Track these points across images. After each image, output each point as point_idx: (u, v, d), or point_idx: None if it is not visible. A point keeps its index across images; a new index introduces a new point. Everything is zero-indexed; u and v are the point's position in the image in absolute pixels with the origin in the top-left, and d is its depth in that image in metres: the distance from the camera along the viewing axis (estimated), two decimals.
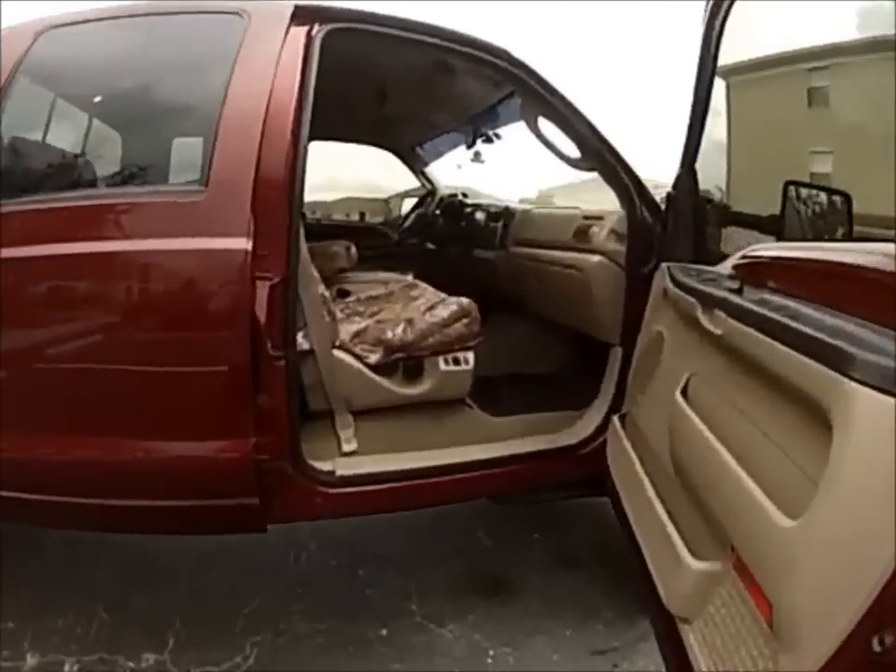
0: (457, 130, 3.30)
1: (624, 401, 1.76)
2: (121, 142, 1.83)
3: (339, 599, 1.94)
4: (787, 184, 1.53)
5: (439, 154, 3.87)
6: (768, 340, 0.92)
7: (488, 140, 3.14)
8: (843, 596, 0.68)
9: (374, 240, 3.94)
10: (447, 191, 3.82)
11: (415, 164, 3.96)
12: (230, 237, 1.40)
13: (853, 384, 0.71)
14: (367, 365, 1.80)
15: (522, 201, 3.80)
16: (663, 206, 1.80)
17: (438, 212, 3.69)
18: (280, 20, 1.57)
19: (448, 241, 3.56)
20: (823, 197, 1.52)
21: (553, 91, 1.80)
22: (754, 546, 0.88)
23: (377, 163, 3.97)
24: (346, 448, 1.77)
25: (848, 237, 1.41)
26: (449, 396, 1.93)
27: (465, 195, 3.67)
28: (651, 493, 1.33)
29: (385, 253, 3.77)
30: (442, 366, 1.87)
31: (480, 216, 3.25)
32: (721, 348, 1.14)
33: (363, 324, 1.91)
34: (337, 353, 1.79)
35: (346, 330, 1.86)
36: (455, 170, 3.79)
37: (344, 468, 1.69)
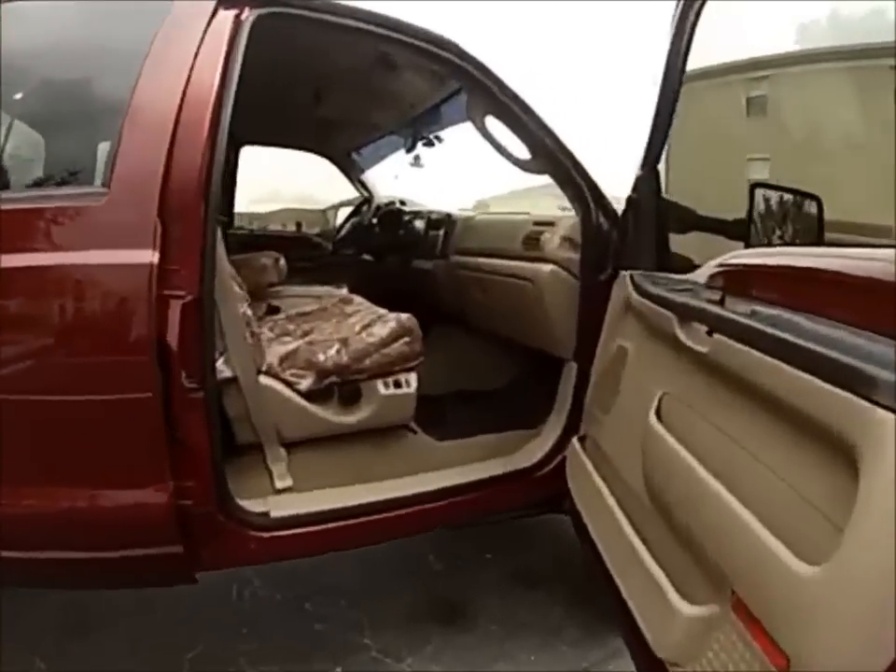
0: (396, 133, 3.17)
1: (583, 421, 1.68)
2: (44, 143, 1.62)
3: (288, 637, 1.83)
4: (753, 186, 1.48)
5: (376, 160, 3.72)
6: (767, 359, 0.81)
7: (429, 144, 3.00)
8: (876, 647, 0.62)
9: (307, 251, 3.79)
10: (384, 199, 3.67)
11: (351, 171, 3.79)
12: (132, 249, 1.21)
13: (884, 412, 0.62)
14: (297, 392, 1.64)
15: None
16: (620, 212, 1.72)
17: (374, 221, 3.50)
18: (205, 3, 1.40)
19: (385, 251, 3.41)
20: (790, 200, 1.47)
21: (503, 88, 1.67)
22: (763, 593, 0.79)
23: (322, 176, 3.85)
24: (280, 485, 1.61)
25: (819, 241, 1.36)
26: (391, 422, 1.79)
27: (403, 203, 3.52)
28: (624, 525, 1.24)
29: (319, 265, 3.62)
30: (382, 390, 1.72)
31: (419, 224, 3.11)
32: (703, 366, 1.04)
33: (293, 345, 1.73)
34: (264, 379, 1.61)
35: (274, 353, 1.69)
36: (391, 180, 3.71)
37: (279, 507, 1.53)
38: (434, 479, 1.72)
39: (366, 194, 3.80)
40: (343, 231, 3.78)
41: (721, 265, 1.21)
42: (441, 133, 2.98)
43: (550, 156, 1.76)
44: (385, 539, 1.74)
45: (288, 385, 1.63)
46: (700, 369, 1.06)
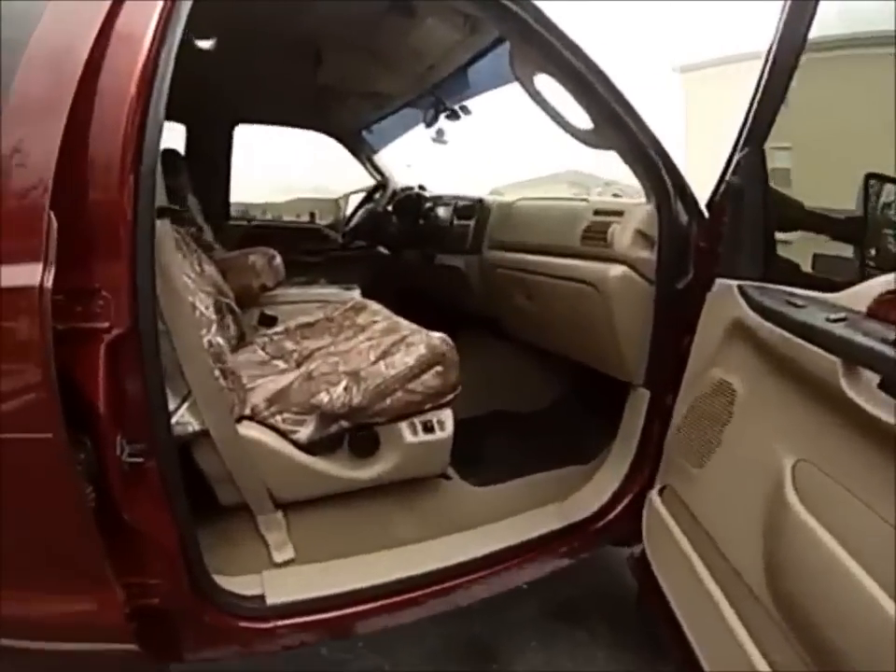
0: (414, 103, 2.84)
1: (662, 469, 1.43)
2: None
3: None
4: (868, 177, 1.22)
5: (390, 137, 3.42)
6: None
7: (453, 115, 2.66)
8: None
9: (314, 243, 3.52)
10: (401, 184, 3.36)
11: (362, 152, 3.49)
12: (14, 264, 0.88)
13: None
14: (294, 443, 1.34)
15: None
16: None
17: (390, 208, 3.19)
18: None
19: (403, 243, 3.10)
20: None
21: (562, 37, 1.33)
22: None
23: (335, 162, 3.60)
24: (279, 557, 1.35)
25: None
26: (420, 474, 1.51)
27: (423, 188, 3.20)
28: (730, 618, 1.04)
29: (327, 259, 3.36)
30: (408, 436, 1.41)
31: (443, 212, 2.74)
32: (875, 434, 0.79)
33: (285, 380, 1.42)
34: (246, 429, 1.31)
35: (262, 392, 1.38)
36: (407, 161, 3.47)
37: (278, 590, 1.27)
38: (474, 541, 1.47)
39: (379, 178, 3.50)
40: (355, 221, 3.46)
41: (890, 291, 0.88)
42: (469, 103, 2.65)
43: (620, 126, 1.42)
44: (413, 618, 1.45)
45: (281, 434, 1.33)
46: (871, 437, 0.81)
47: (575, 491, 1.63)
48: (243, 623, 1.22)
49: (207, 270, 1.77)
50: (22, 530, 1.00)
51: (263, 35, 1.83)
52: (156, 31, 0.99)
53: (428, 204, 2.92)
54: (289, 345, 1.73)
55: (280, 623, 1.25)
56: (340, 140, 3.44)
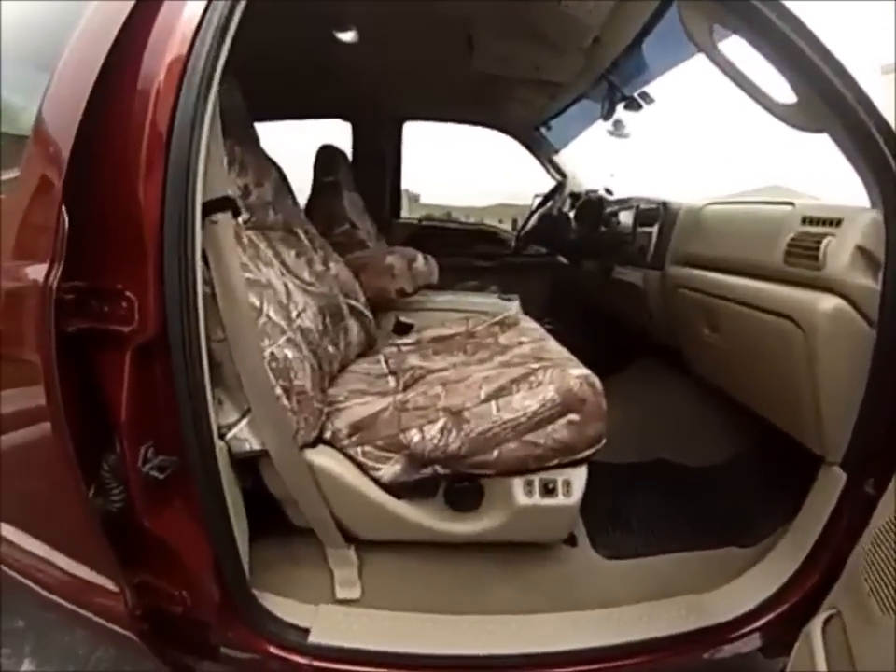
0: (588, 94, 2.60)
1: (837, 588, 1.02)
2: None
3: None
4: None
5: (570, 134, 3.20)
6: None
7: (632, 104, 2.36)
8: None
9: (486, 246, 3.47)
10: (583, 186, 3.12)
11: (541, 150, 3.30)
12: (27, 260, 0.93)
13: None
14: (375, 481, 1.20)
15: None
16: None
17: (571, 213, 2.91)
18: None
19: (583, 252, 2.82)
20: None
21: None
22: None
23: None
24: (342, 594, 1.23)
25: None
26: (532, 540, 1.30)
27: (609, 191, 2.88)
28: None
29: (501, 265, 3.26)
30: (520, 497, 1.20)
31: (625, 217, 2.43)
32: None
33: (378, 405, 1.27)
34: (319, 456, 1.19)
35: (349, 415, 1.25)
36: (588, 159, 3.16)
37: (327, 629, 1.15)
38: (587, 627, 1.21)
39: (559, 178, 3.28)
40: (530, 224, 3.22)
41: None
42: (649, 89, 2.35)
43: (835, 99, 1.09)
44: None
45: (360, 467, 1.20)
46: None
47: (723, 583, 1.33)
48: (273, 649, 1.12)
49: (334, 268, 1.71)
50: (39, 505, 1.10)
51: (402, 21, 1.72)
52: (189, 24, 0.95)
53: (611, 209, 2.62)
54: (414, 360, 1.59)
55: (315, 663, 1.12)
56: (516, 137, 3.30)
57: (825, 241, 1.19)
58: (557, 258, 3.16)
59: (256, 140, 1.57)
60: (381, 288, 2.04)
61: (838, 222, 1.20)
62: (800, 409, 1.30)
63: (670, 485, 1.78)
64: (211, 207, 1.00)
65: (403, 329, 2.02)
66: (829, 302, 1.17)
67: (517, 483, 1.20)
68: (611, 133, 2.45)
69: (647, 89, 2.36)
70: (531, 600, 1.26)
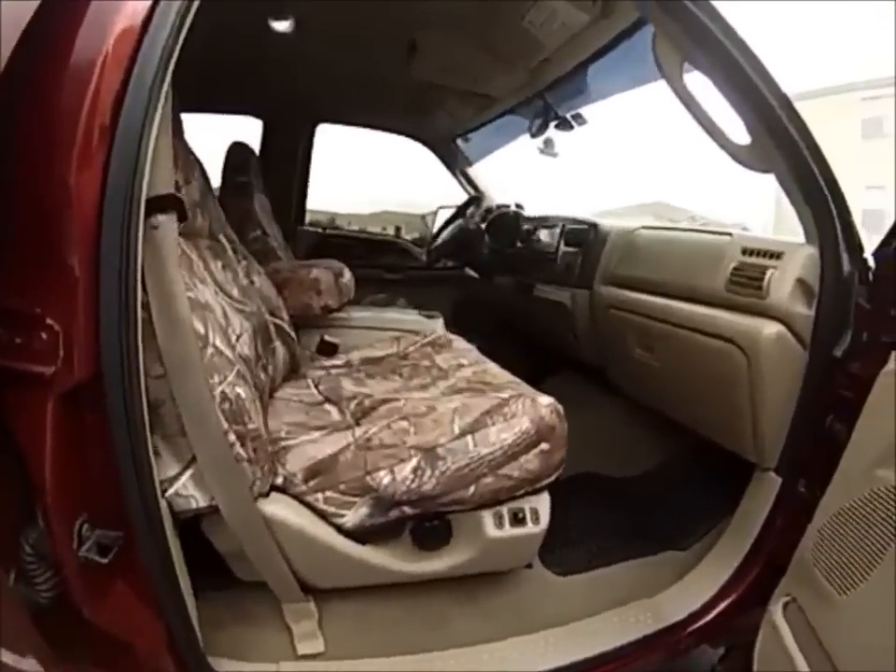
0: (518, 109, 2.66)
1: (789, 576, 1.20)
2: None
3: None
4: None
5: (487, 148, 3.28)
6: None
7: (564, 125, 2.46)
8: None
9: (393, 258, 3.44)
10: (496, 200, 3.21)
11: (455, 162, 3.36)
12: None
13: None
14: (338, 528, 1.13)
15: None
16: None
17: (484, 226, 2.99)
18: None
19: (496, 268, 2.91)
20: None
21: (715, 16, 1.14)
22: None
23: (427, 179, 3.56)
24: (303, 649, 1.16)
25: None
26: (499, 569, 1.31)
27: (520, 206, 3.00)
28: None
29: (408, 278, 3.26)
30: (491, 530, 1.20)
31: (547, 236, 2.51)
32: None
33: (334, 445, 1.18)
34: (273, 505, 1.09)
35: (302, 456, 1.15)
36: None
37: None
38: (556, 646, 1.29)
39: (473, 192, 3.35)
40: (442, 238, 3.27)
41: None
42: (584, 111, 2.45)
43: (785, 142, 1.23)
44: None
45: (321, 515, 1.12)
46: None
47: (671, 584, 1.47)
48: None
49: (258, 282, 1.60)
50: None
51: (348, 17, 1.73)
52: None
53: (528, 226, 2.70)
54: (349, 386, 1.52)
55: None
56: (432, 148, 3.34)
57: (769, 272, 1.33)
58: (466, 271, 3.23)
59: (182, 130, 1.37)
60: (305, 305, 1.97)
61: (779, 255, 1.35)
62: (738, 423, 1.43)
63: (603, 497, 1.88)
64: (153, 207, 0.86)
65: (329, 350, 1.96)
66: (772, 328, 1.32)
67: (486, 516, 1.20)
68: (541, 151, 2.52)
69: (581, 111, 2.46)
70: (496, 628, 1.28)
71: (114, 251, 0.78)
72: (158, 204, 0.86)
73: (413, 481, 1.11)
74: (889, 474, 0.99)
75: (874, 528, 0.99)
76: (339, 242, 3.41)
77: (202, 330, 1.03)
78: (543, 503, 1.25)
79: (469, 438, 1.16)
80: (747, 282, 1.38)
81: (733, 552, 1.43)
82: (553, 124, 2.50)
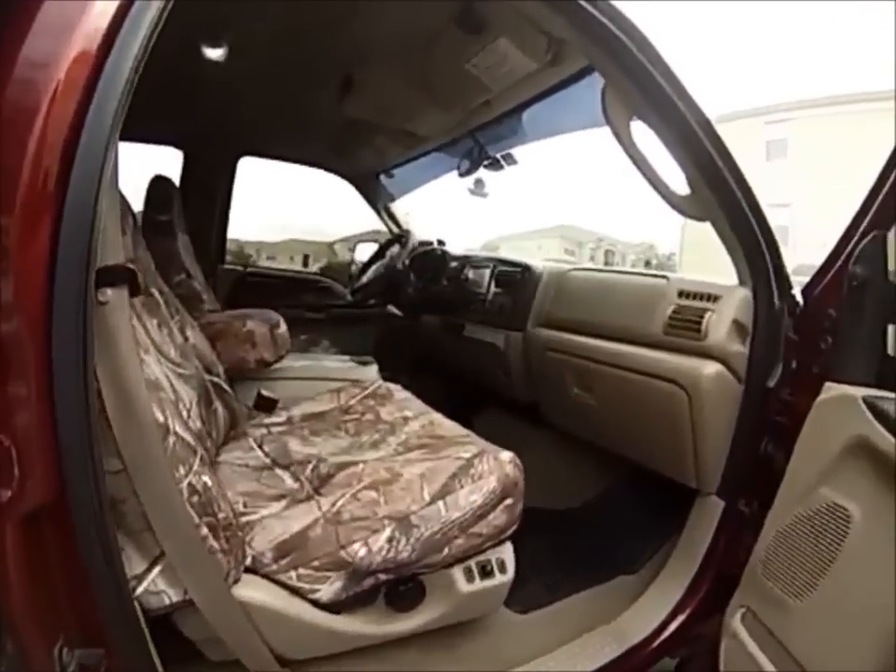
0: (447, 148, 2.72)
1: (742, 589, 1.30)
2: None
3: None
4: None
5: (412, 185, 3.33)
6: None
7: (494, 165, 2.53)
8: None
9: (316, 297, 3.40)
10: (420, 238, 3.20)
11: (378, 199, 3.39)
12: None
13: None
14: (312, 602, 1.10)
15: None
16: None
17: (408, 262, 2.99)
18: None
19: (422, 307, 2.94)
20: None
21: (664, 70, 1.21)
22: None
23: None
24: None
25: None
26: (469, 618, 1.32)
27: (442, 242, 3.04)
28: None
29: (331, 317, 3.20)
30: (463, 585, 1.21)
31: (476, 276, 2.57)
32: None
33: (301, 521, 1.14)
34: (245, 588, 1.04)
35: (268, 534, 1.11)
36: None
37: None
38: None
39: (395, 229, 3.38)
40: (367, 276, 3.26)
41: None
42: (515, 152, 2.53)
43: (723, 192, 1.34)
44: None
45: (295, 592, 1.09)
46: None
47: (626, 608, 1.57)
48: None
49: (192, 338, 1.53)
50: None
51: (285, 49, 1.73)
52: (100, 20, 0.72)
53: (455, 264, 2.75)
54: (296, 447, 1.48)
55: None
56: (355, 185, 3.34)
57: (707, 315, 1.44)
58: (389, 308, 3.22)
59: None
60: (240, 358, 1.89)
61: (716, 298, 1.46)
62: (680, 454, 1.54)
63: (548, 531, 1.93)
64: (101, 280, 0.75)
65: (268, 406, 1.88)
66: (711, 368, 1.43)
67: (457, 572, 1.21)
68: (472, 192, 2.58)
69: (512, 151, 2.52)
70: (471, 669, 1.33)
71: (69, 341, 0.69)
72: (107, 276, 0.77)
73: (388, 551, 1.10)
74: (829, 492, 1.11)
75: (818, 541, 1.10)
76: (259, 280, 3.34)
77: (161, 419, 0.96)
78: (508, 552, 1.28)
79: (440, 503, 1.16)
80: (685, 324, 1.48)
81: (683, 570, 1.54)
82: (484, 164, 2.56)
